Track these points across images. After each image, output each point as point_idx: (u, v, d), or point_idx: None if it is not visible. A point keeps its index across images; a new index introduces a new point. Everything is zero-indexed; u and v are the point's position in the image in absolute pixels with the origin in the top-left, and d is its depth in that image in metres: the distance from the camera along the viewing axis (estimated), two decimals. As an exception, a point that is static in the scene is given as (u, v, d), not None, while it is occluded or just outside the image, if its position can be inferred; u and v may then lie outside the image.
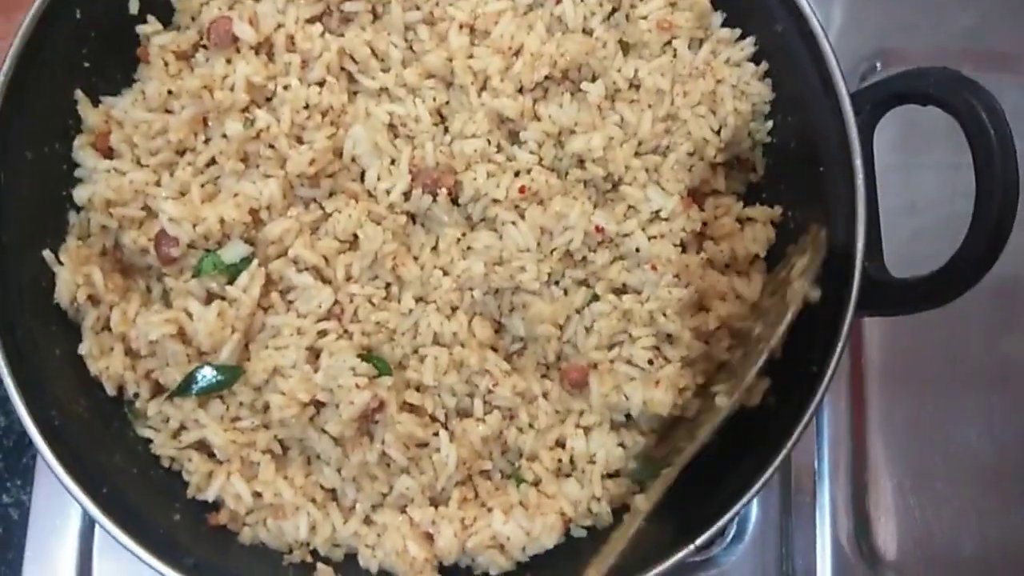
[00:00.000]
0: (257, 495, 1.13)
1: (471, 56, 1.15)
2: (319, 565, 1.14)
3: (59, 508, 1.33)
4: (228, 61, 1.14)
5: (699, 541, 1.04)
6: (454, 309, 1.14)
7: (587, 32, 1.19)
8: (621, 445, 1.17)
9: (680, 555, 1.04)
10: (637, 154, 1.17)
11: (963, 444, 1.45)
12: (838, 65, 1.10)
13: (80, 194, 1.16)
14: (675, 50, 1.19)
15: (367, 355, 1.12)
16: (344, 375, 1.09)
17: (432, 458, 1.13)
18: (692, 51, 1.20)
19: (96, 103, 1.18)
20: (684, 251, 1.16)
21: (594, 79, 1.18)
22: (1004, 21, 1.62)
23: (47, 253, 1.13)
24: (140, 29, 1.19)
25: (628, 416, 1.16)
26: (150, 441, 1.16)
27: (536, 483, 1.16)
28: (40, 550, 1.33)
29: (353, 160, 1.15)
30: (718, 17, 1.22)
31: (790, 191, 1.22)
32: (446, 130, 1.16)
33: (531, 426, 1.16)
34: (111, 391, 1.15)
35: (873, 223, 1.08)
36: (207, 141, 1.15)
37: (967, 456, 1.45)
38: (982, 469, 1.45)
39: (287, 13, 1.16)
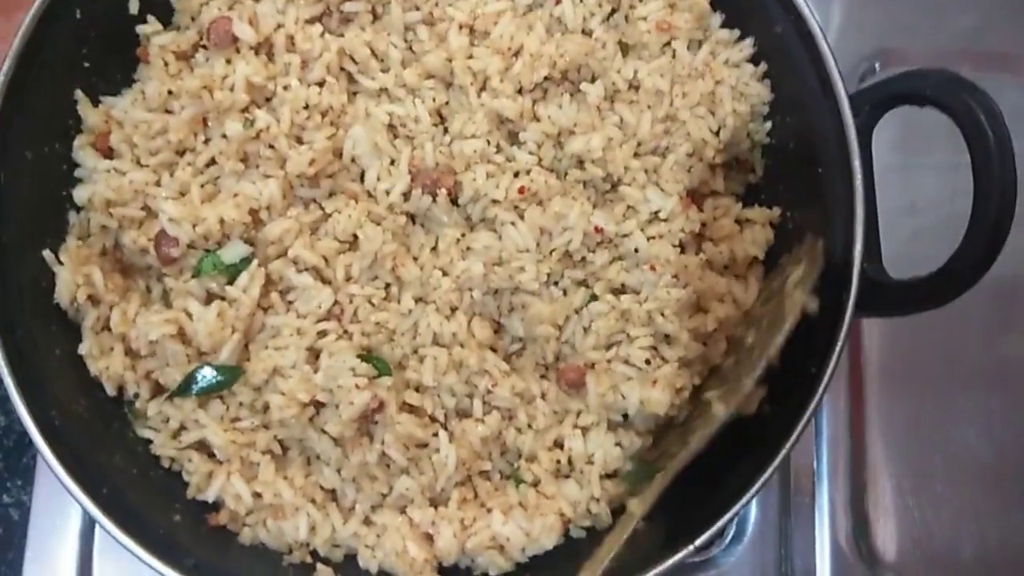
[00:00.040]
0: (257, 495, 1.13)
1: (471, 57, 1.15)
2: (319, 566, 1.15)
3: (59, 508, 1.34)
4: (228, 61, 1.14)
5: (698, 542, 1.04)
6: (453, 309, 1.14)
7: (586, 33, 1.19)
8: (618, 445, 1.17)
9: (679, 556, 1.04)
10: (636, 155, 1.17)
11: (962, 444, 1.45)
12: (837, 66, 1.10)
13: (80, 194, 1.16)
14: (674, 51, 1.19)
15: (367, 355, 1.12)
16: (344, 375, 1.09)
17: (432, 459, 1.13)
18: (691, 52, 1.20)
19: (96, 103, 1.18)
20: (683, 252, 1.16)
21: (593, 80, 1.18)
22: (1004, 22, 1.62)
23: (47, 253, 1.13)
24: (140, 29, 1.19)
25: (625, 416, 1.16)
26: (150, 441, 1.16)
27: (535, 484, 1.16)
28: (40, 550, 1.33)
29: (353, 160, 1.15)
30: (717, 18, 1.22)
31: (789, 192, 1.22)
32: (446, 130, 1.16)
33: (530, 427, 1.16)
34: (111, 391, 1.15)
35: (872, 224, 1.08)
36: (207, 141, 1.15)
37: (966, 457, 1.45)
38: (981, 469, 1.45)
39: (287, 13, 1.16)
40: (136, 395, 1.16)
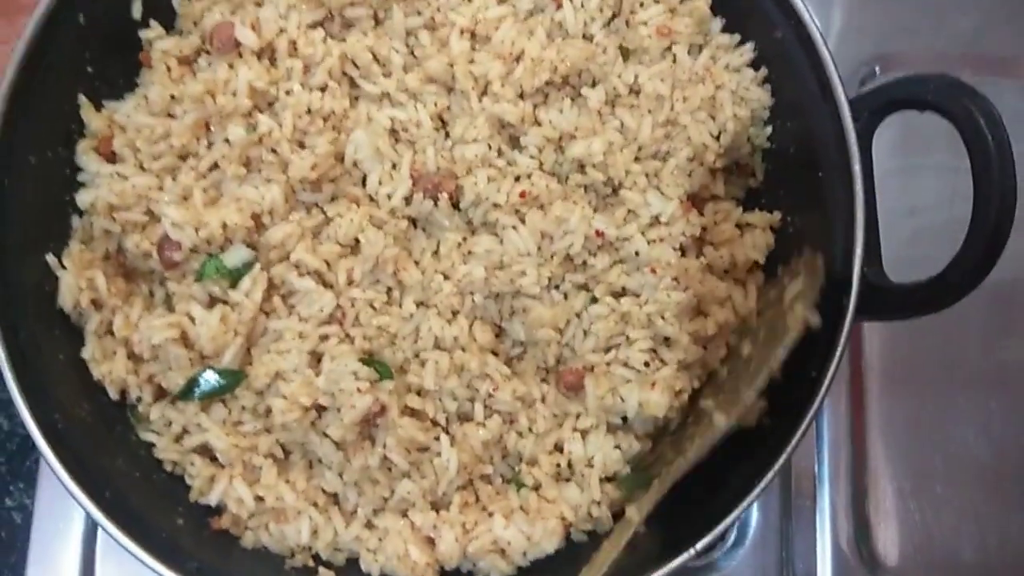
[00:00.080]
0: (259, 499, 1.13)
1: (472, 61, 1.16)
2: (321, 569, 1.15)
3: (62, 512, 1.34)
4: (230, 66, 1.14)
5: (700, 545, 1.04)
6: (455, 313, 1.15)
7: (587, 38, 1.19)
8: (617, 448, 1.17)
9: (681, 559, 1.05)
10: (637, 159, 1.17)
11: (962, 447, 1.46)
12: (837, 71, 1.10)
13: (83, 198, 1.16)
14: (675, 56, 1.19)
15: (368, 359, 1.12)
16: (345, 379, 1.09)
17: (433, 462, 1.13)
18: (692, 57, 1.20)
19: (99, 107, 1.18)
20: (683, 255, 1.16)
21: (594, 84, 1.18)
22: (1004, 25, 1.62)
23: (50, 257, 1.13)
24: (143, 34, 1.19)
25: (624, 419, 1.17)
26: (153, 445, 1.16)
27: (536, 487, 1.16)
28: (43, 554, 1.33)
29: (355, 165, 1.15)
30: (717, 23, 1.22)
31: (789, 196, 1.22)
32: (447, 135, 1.17)
33: (530, 430, 1.16)
34: (114, 395, 1.16)
35: (872, 228, 1.09)
36: (209, 146, 1.16)
37: (967, 459, 1.45)
38: (982, 472, 1.45)
39: (289, 18, 1.16)
40: (139, 399, 1.16)
